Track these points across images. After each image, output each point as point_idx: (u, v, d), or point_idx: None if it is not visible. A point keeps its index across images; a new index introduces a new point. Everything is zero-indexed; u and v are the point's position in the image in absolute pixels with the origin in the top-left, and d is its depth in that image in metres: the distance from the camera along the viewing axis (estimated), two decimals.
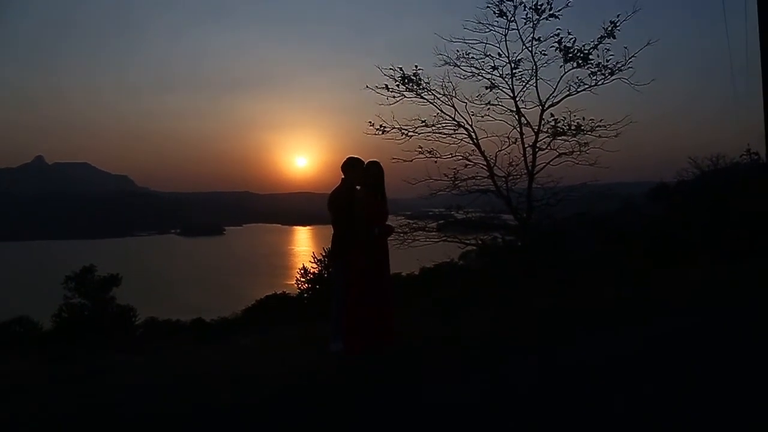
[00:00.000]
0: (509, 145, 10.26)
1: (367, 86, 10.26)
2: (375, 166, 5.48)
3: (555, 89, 9.74)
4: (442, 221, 12.55)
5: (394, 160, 10.54)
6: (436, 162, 10.33)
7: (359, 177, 5.42)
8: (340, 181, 5.55)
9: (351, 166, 5.48)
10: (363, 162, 5.53)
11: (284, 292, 26.52)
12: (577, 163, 9.79)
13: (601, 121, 9.56)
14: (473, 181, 10.48)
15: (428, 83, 10.11)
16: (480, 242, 12.51)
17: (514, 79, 9.88)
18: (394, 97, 10.24)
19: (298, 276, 22.89)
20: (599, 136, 9.72)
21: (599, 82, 9.55)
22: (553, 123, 9.72)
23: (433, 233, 10.64)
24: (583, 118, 9.51)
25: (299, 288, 22.81)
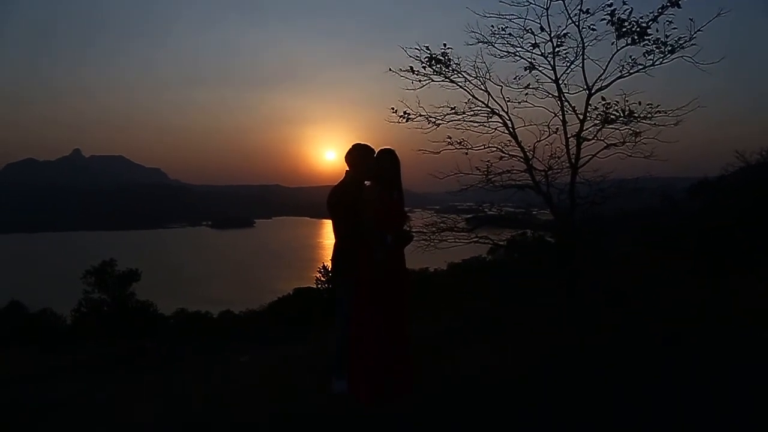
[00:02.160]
0: (549, 134, 9.06)
1: (390, 69, 9.18)
2: (389, 155, 4.30)
3: (604, 70, 8.47)
4: (471, 215, 11.60)
5: (420, 152, 9.50)
6: (466, 154, 9.20)
7: (369, 169, 4.29)
8: (343, 176, 4.41)
9: (358, 155, 4.33)
10: (373, 150, 4.37)
11: (310, 286, 26.09)
12: (630, 155, 8.52)
13: (658, 106, 8.25)
14: (508, 175, 9.32)
15: (458, 64, 8.96)
16: (510, 238, 11.45)
17: (556, 58, 8.63)
18: (420, 81, 9.14)
19: (319, 275, 22.08)
20: (655, 124, 8.42)
21: (656, 62, 8.24)
22: (603, 108, 8.44)
23: (463, 233, 9.49)
24: (639, 103, 8.20)
25: (319, 287, 22.03)
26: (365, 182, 4.33)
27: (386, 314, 4.07)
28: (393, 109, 9.09)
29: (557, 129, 8.99)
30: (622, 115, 8.28)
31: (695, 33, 7.83)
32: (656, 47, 8.07)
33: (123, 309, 21.59)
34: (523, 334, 6.07)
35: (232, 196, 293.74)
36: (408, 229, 9.92)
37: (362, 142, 4.43)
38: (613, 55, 8.33)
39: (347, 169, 4.40)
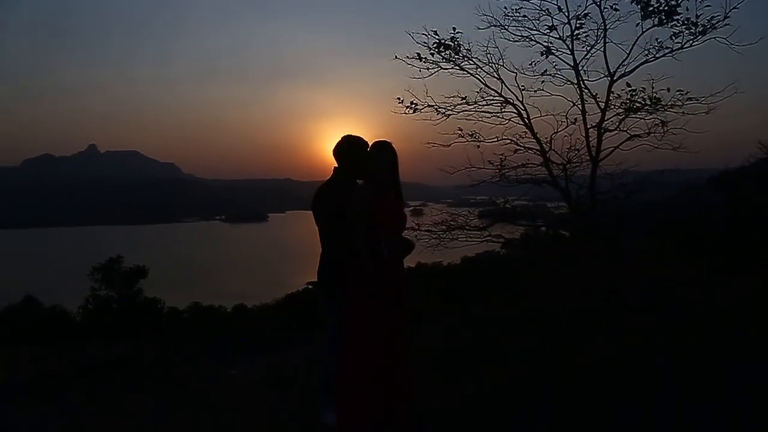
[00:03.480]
0: (568, 125, 8.42)
1: (396, 56, 8.56)
2: (385, 148, 3.64)
3: (628, 55, 7.79)
4: (484, 209, 11.02)
5: (429, 145, 8.91)
6: (478, 147, 8.61)
7: (362, 166, 3.63)
8: (332, 173, 3.76)
9: (349, 149, 3.67)
10: (366, 143, 3.71)
11: None
12: (657, 147, 7.84)
13: (687, 93, 7.53)
14: (523, 169, 8.69)
15: (469, 50, 8.34)
16: (524, 233, 10.84)
17: (575, 41, 7.98)
18: (428, 69, 8.53)
19: None
20: (684, 113, 7.72)
21: (685, 45, 7.54)
22: (628, 96, 7.75)
23: (475, 231, 8.88)
24: (668, 90, 7.50)
25: None
26: (357, 180, 3.68)
27: (378, 341, 3.44)
28: (399, 99, 8.49)
29: (576, 119, 8.38)
30: (648, 102, 7.58)
31: (730, 11, 7.11)
32: (686, 28, 7.38)
33: (130, 306, 21.23)
34: (536, 350, 5.44)
35: (245, 191, 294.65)
36: (417, 226, 9.58)
37: (355, 135, 3.77)
38: (638, 38, 7.67)
39: (335, 165, 3.75)
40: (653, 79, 7.46)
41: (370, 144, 3.67)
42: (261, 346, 8.44)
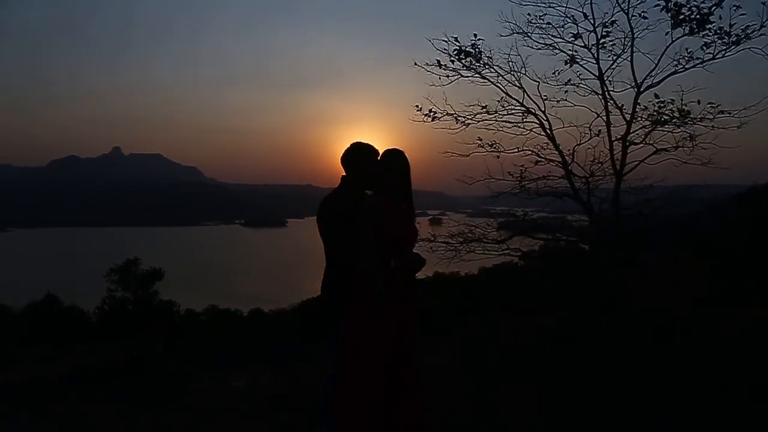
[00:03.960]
0: (591, 137, 8.12)
1: (415, 63, 8.37)
2: (397, 156, 3.39)
3: (656, 65, 7.46)
4: (504, 220, 10.77)
5: (446, 154, 8.68)
6: (498, 157, 8.34)
7: (371, 175, 3.39)
8: (339, 183, 3.50)
9: (357, 157, 3.42)
10: (377, 151, 3.47)
11: None
12: (685, 162, 7.50)
13: (719, 105, 7.19)
14: (544, 181, 8.41)
15: (490, 58, 8.08)
16: (543, 245, 10.56)
17: (601, 50, 7.68)
18: (447, 76, 8.30)
19: None
20: (713, 127, 7.38)
21: (717, 55, 7.21)
22: (656, 108, 7.43)
23: (493, 244, 8.60)
24: (698, 102, 7.17)
25: None
26: (365, 191, 3.44)
27: (387, 367, 3.16)
28: (417, 106, 8.27)
29: (600, 131, 8.07)
30: (677, 115, 7.25)
31: (767, 21, 6.77)
32: (718, 38, 7.05)
33: (145, 309, 21.27)
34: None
35: (265, 195, 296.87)
36: (433, 237, 9.35)
37: (364, 142, 3.52)
38: (667, 48, 7.33)
39: (343, 174, 3.50)
40: (683, 91, 7.13)
41: (380, 152, 3.45)
42: (271, 356, 8.26)
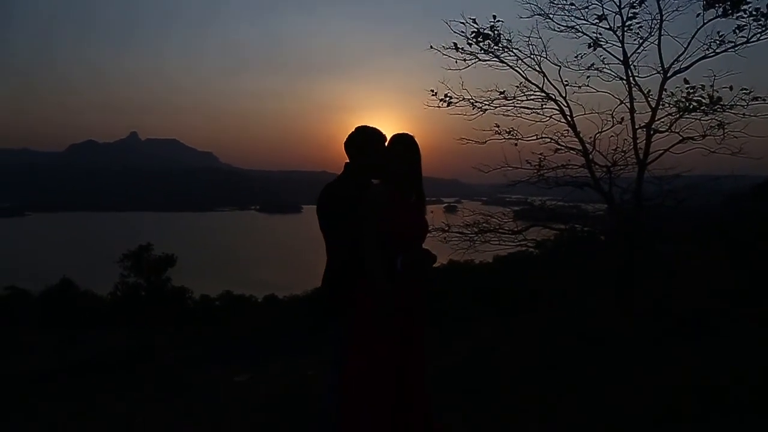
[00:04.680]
0: (613, 125, 7.77)
1: (431, 46, 8.04)
2: (405, 142, 3.04)
3: (685, 49, 7.08)
4: (520, 208, 10.47)
5: (462, 141, 8.38)
6: (516, 145, 8.03)
7: (377, 162, 3.05)
8: (342, 171, 3.18)
9: (362, 142, 3.09)
10: (384, 136, 3.12)
11: None
12: (713, 151, 7.12)
13: (751, 92, 6.77)
14: (563, 170, 8.09)
15: (510, 41, 7.74)
16: (558, 233, 10.28)
17: (627, 33, 7.31)
18: (464, 60, 7.98)
19: None
20: (744, 114, 6.98)
21: (751, 39, 6.80)
22: (685, 94, 7.03)
23: (508, 235, 8.30)
24: (731, 88, 6.76)
25: None
26: (371, 180, 3.13)
27: (393, 375, 2.88)
28: (432, 91, 7.97)
29: (623, 118, 7.72)
30: (707, 101, 6.86)
31: None
32: (753, 20, 6.65)
33: (158, 295, 21.27)
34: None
35: (280, 182, 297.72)
36: (447, 227, 9.05)
37: (370, 126, 3.16)
38: (698, 30, 6.94)
39: (347, 161, 3.17)
40: (715, 76, 6.72)
41: (388, 138, 3.12)
42: (279, 347, 8.07)
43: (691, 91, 6.91)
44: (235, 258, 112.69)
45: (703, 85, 6.85)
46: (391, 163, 3.02)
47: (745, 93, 6.73)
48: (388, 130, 3.13)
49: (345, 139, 3.15)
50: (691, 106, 6.95)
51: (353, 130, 3.16)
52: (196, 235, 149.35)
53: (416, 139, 3.07)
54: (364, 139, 3.11)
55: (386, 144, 3.08)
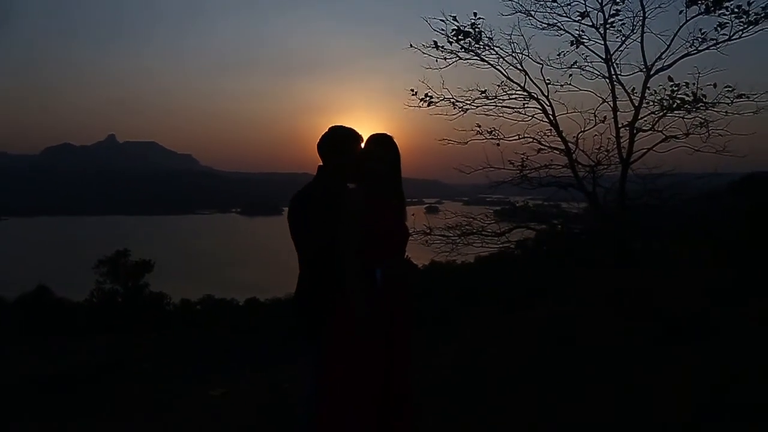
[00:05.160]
0: (596, 124, 7.67)
1: (411, 45, 7.87)
2: (385, 143, 2.81)
3: (668, 47, 6.98)
4: (500, 208, 10.34)
5: (443, 141, 8.23)
6: (498, 145, 7.90)
7: (353, 164, 2.82)
8: (316, 174, 2.92)
9: (337, 143, 2.85)
10: (359, 136, 2.89)
11: None
12: (697, 150, 7.03)
13: (733, 90, 6.67)
14: (546, 170, 7.97)
15: (491, 38, 7.60)
16: (539, 231, 10.23)
17: (609, 30, 7.21)
18: (445, 59, 7.82)
19: None
20: (727, 113, 6.91)
21: (733, 36, 6.72)
22: (669, 92, 6.93)
23: (491, 237, 8.15)
24: (714, 86, 6.67)
25: None
26: (347, 183, 2.87)
27: (373, 396, 2.63)
28: (412, 90, 7.79)
29: (605, 117, 7.63)
30: (692, 99, 6.77)
31: None
32: (735, 17, 6.57)
33: (135, 301, 20.80)
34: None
35: (261, 183, 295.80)
36: (429, 230, 8.85)
37: (345, 126, 2.91)
38: (680, 28, 6.86)
39: (320, 164, 2.91)
40: (699, 73, 6.63)
41: (364, 138, 2.88)
42: (257, 356, 7.80)
43: (675, 89, 6.83)
44: (216, 261, 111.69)
45: (687, 83, 6.76)
46: (368, 164, 2.78)
47: (728, 90, 6.66)
48: (370, 130, 2.90)
49: (318, 140, 2.91)
50: (675, 105, 6.85)
51: (327, 130, 2.92)
52: (177, 239, 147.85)
53: (396, 139, 2.86)
54: (339, 139, 2.87)
55: (363, 144, 2.86)
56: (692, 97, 6.71)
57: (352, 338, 2.60)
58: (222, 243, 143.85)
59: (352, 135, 2.88)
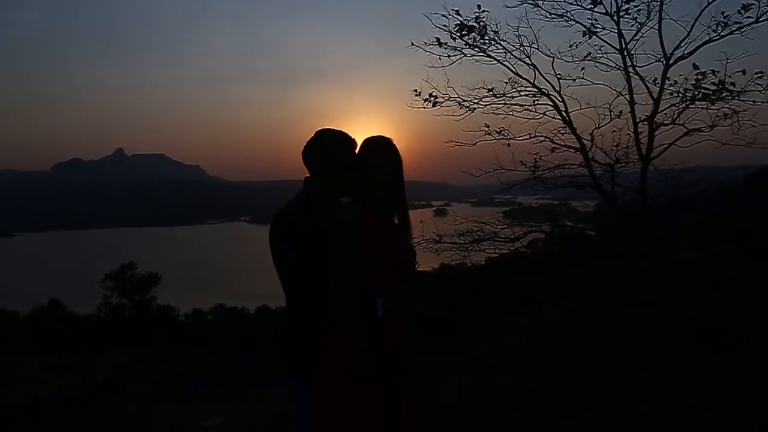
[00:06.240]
0: (611, 119, 7.21)
1: (412, 43, 7.45)
2: (383, 148, 2.32)
3: (689, 33, 6.51)
4: (508, 209, 9.94)
5: (449, 144, 7.80)
6: (508, 145, 7.46)
7: (346, 173, 2.34)
8: (302, 187, 2.44)
9: (326, 149, 2.37)
10: (352, 141, 2.40)
11: None
12: (725, 143, 6.55)
13: (762, 75, 6.17)
14: (560, 170, 7.52)
15: (497, 32, 7.17)
16: (550, 231, 9.82)
17: (623, 19, 6.76)
18: (448, 56, 7.39)
19: None
20: (754, 102, 6.41)
21: (761, 17, 6.23)
22: (696, 79, 6.43)
23: (504, 241, 7.71)
24: (743, 72, 6.16)
25: None
26: (338, 197, 2.40)
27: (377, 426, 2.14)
28: (416, 90, 7.36)
29: (621, 111, 7.16)
30: (718, 88, 6.27)
31: None
32: None
33: (142, 315, 20.48)
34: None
35: (269, 192, 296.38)
36: (439, 238, 8.38)
37: (334, 129, 2.42)
38: (702, 12, 6.37)
39: (306, 175, 2.44)
40: (727, 59, 6.12)
41: (358, 142, 2.40)
42: (258, 375, 7.40)
43: (700, 77, 6.32)
44: (227, 270, 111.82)
45: (714, 70, 6.25)
46: (366, 173, 2.31)
47: (759, 77, 6.14)
48: (375, 134, 2.41)
49: (303, 147, 2.44)
50: (701, 94, 6.35)
51: (313, 135, 2.44)
52: (186, 249, 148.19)
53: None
54: (328, 144, 2.40)
55: (357, 150, 2.39)
56: (719, 86, 6.20)
57: (347, 379, 2.14)
58: (232, 252, 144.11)
59: (343, 139, 2.41)
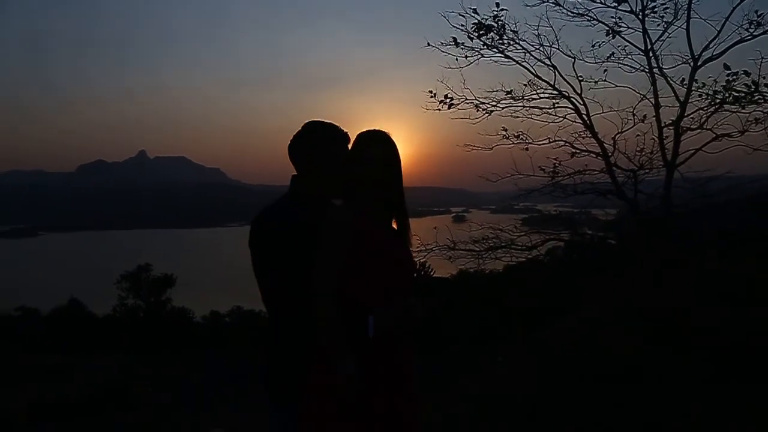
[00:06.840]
0: (635, 123, 6.90)
1: (428, 43, 7.21)
2: (379, 142, 2.04)
3: (719, 33, 6.18)
4: (528, 216, 9.66)
5: (466, 148, 7.54)
6: (527, 150, 7.19)
7: (337, 171, 2.07)
8: (289, 186, 2.19)
9: (317, 142, 2.10)
10: (345, 135, 2.13)
11: None
12: (757, 149, 6.20)
13: None
14: (580, 176, 7.21)
15: (516, 32, 6.91)
16: (569, 239, 9.54)
17: (649, 17, 6.45)
18: (465, 57, 7.14)
19: None
20: None
21: None
22: (727, 81, 6.11)
23: (520, 249, 7.42)
24: None
25: None
26: (329, 197, 2.13)
27: None
28: (431, 92, 7.13)
29: (645, 115, 6.84)
30: (752, 89, 5.93)
31: None
32: None
33: (156, 317, 20.48)
34: None
35: None
36: (453, 244, 8.11)
37: (325, 121, 2.16)
38: (733, 11, 6.04)
39: (294, 174, 2.18)
40: (762, 58, 5.76)
41: (352, 137, 2.10)
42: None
43: (733, 78, 5.98)
44: (246, 272, 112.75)
45: (746, 71, 5.91)
46: (362, 171, 2.02)
47: None
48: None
49: (290, 141, 2.17)
50: (732, 97, 6.02)
51: (302, 126, 2.17)
52: (206, 251, 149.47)
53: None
54: (317, 138, 2.13)
55: (351, 145, 2.10)
56: (751, 88, 5.86)
57: (335, 409, 1.89)
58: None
59: (335, 133, 2.14)
